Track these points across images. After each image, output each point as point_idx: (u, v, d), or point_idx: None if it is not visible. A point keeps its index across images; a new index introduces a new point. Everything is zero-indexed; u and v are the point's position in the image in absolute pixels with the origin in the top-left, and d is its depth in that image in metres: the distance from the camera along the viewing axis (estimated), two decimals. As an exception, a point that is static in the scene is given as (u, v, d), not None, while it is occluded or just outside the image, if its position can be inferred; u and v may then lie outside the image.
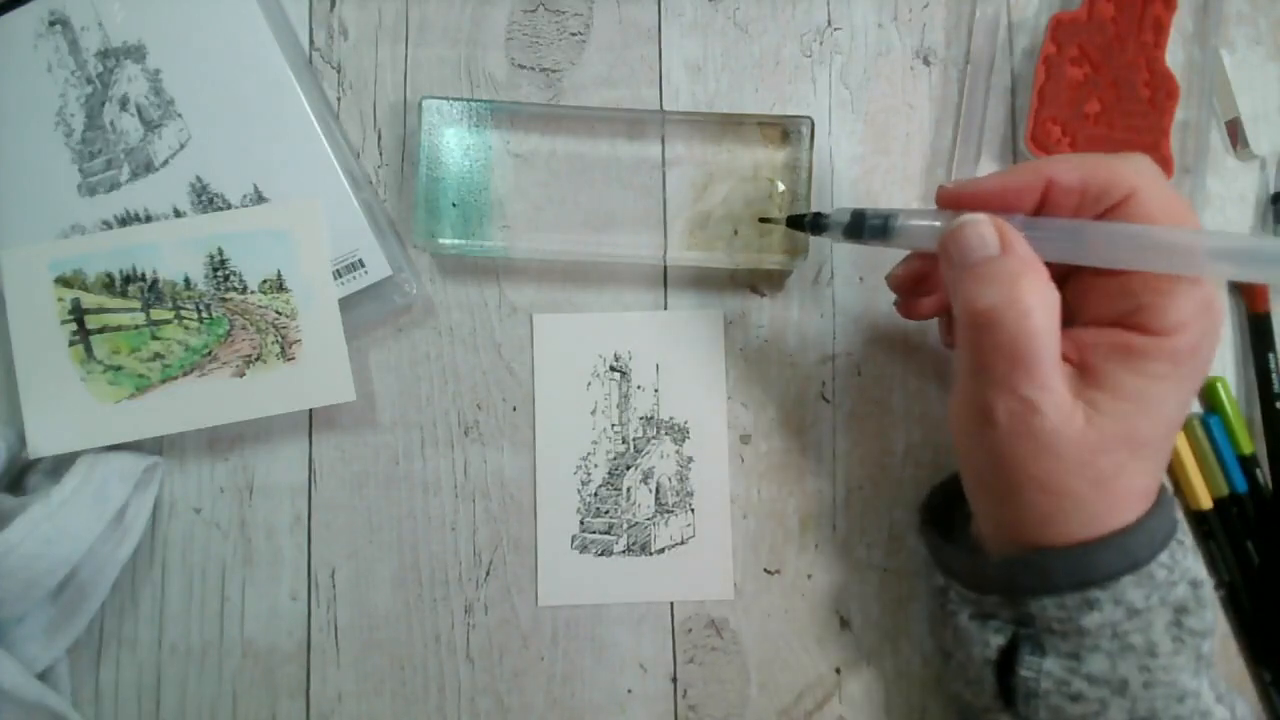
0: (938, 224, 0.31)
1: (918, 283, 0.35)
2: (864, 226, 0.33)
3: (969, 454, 0.31)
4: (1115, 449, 0.29)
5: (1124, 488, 0.29)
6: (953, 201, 0.32)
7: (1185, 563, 0.30)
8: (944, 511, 0.38)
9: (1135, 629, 0.29)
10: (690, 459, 0.40)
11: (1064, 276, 0.31)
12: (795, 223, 0.35)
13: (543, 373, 0.40)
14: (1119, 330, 0.29)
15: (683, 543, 0.40)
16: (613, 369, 0.40)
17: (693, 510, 0.40)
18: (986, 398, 0.29)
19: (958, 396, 0.31)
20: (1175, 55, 0.41)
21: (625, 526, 0.40)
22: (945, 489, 0.38)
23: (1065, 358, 0.29)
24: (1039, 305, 0.28)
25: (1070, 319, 0.30)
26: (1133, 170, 0.29)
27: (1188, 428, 0.40)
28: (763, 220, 0.38)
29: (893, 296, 0.37)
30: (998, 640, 0.32)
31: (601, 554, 0.39)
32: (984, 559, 0.33)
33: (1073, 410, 0.29)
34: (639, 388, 0.40)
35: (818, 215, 0.34)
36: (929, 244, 0.32)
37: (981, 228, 0.29)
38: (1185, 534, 0.31)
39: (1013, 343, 0.28)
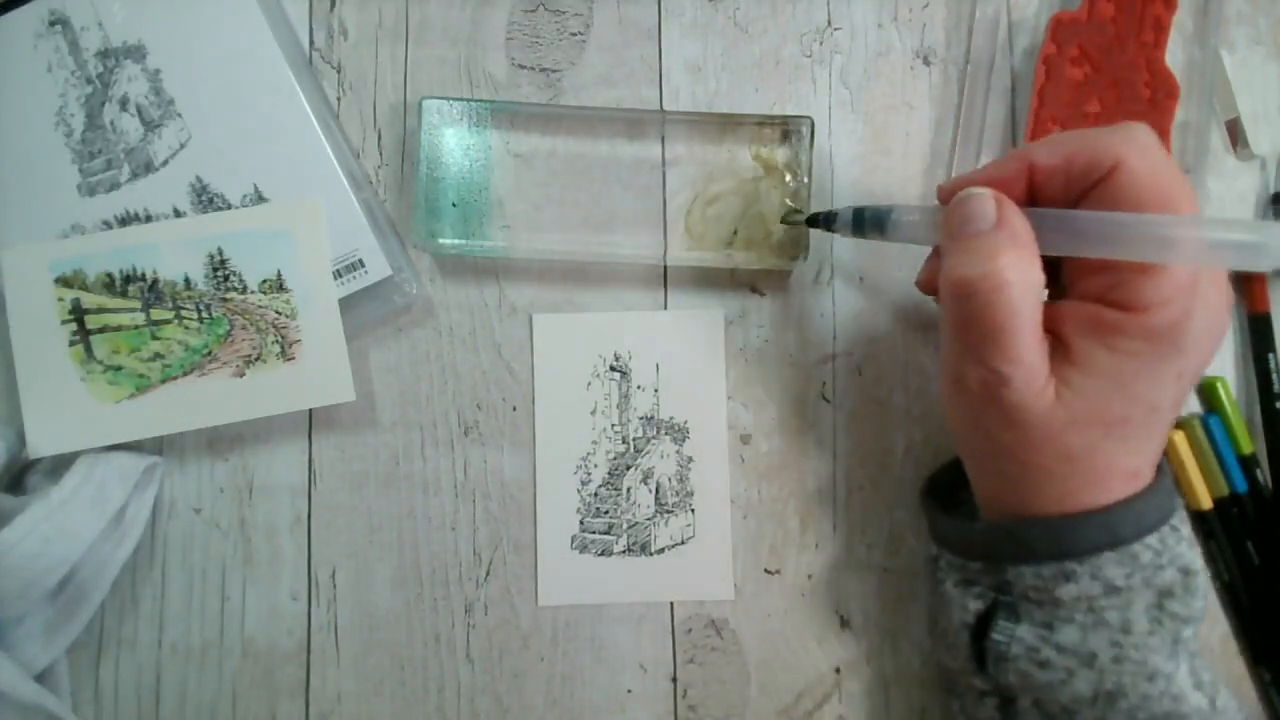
0: (916, 218, 0.33)
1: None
2: (864, 222, 0.34)
3: (952, 418, 0.32)
4: (1086, 427, 0.29)
5: (1101, 466, 0.29)
6: (949, 197, 0.32)
7: (1177, 549, 0.30)
8: (949, 488, 0.38)
9: (1112, 605, 0.29)
10: (690, 459, 0.40)
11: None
12: (813, 221, 0.37)
13: (543, 373, 0.40)
14: (1097, 306, 0.29)
15: (683, 543, 0.40)
16: (613, 369, 0.40)
17: (693, 510, 0.40)
18: (961, 366, 0.30)
19: (942, 362, 0.32)
20: (1175, 55, 0.41)
21: (625, 526, 0.39)
22: (957, 467, 0.38)
23: (1049, 331, 0.29)
24: (1017, 281, 0.28)
25: (1064, 294, 0.31)
26: (1120, 141, 0.28)
27: (1188, 428, 0.40)
28: (784, 221, 0.39)
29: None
30: (976, 605, 0.32)
31: (601, 554, 0.39)
32: (972, 526, 0.33)
33: (1044, 386, 0.29)
34: (639, 388, 0.40)
35: (829, 214, 0.36)
36: (921, 237, 0.33)
37: (983, 201, 0.29)
38: (1184, 523, 0.31)
39: (985, 315, 0.28)
